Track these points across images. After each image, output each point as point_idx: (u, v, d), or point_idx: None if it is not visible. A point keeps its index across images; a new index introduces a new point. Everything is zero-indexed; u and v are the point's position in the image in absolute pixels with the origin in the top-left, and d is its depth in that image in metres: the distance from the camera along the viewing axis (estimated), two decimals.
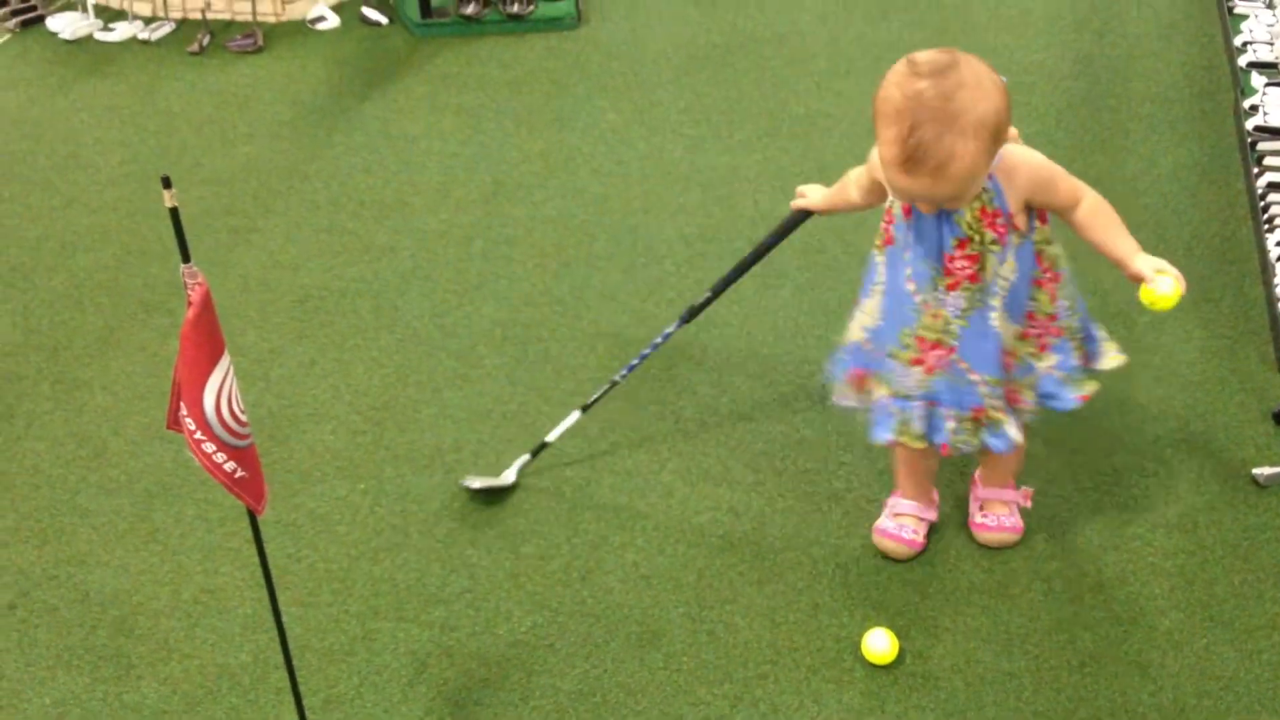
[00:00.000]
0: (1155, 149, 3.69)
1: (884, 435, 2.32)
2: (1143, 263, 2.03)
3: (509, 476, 2.68)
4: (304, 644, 2.36)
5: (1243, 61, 3.84)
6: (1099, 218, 2.11)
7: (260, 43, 4.51)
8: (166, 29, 4.60)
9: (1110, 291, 2.95)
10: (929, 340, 2.22)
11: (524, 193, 3.68)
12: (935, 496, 2.54)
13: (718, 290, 2.65)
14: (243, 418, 1.76)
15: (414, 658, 2.35)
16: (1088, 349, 2.31)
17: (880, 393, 2.32)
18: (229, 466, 1.76)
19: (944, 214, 2.09)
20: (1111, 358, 2.33)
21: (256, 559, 1.93)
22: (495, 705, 2.26)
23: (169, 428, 1.76)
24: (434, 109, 4.11)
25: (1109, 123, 3.85)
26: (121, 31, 4.58)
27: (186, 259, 1.65)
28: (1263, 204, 3.25)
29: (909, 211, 2.15)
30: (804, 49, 4.36)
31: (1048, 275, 2.21)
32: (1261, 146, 3.43)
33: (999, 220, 2.08)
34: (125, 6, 4.70)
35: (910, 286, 2.20)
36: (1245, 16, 4.08)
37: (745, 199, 3.60)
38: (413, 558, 2.55)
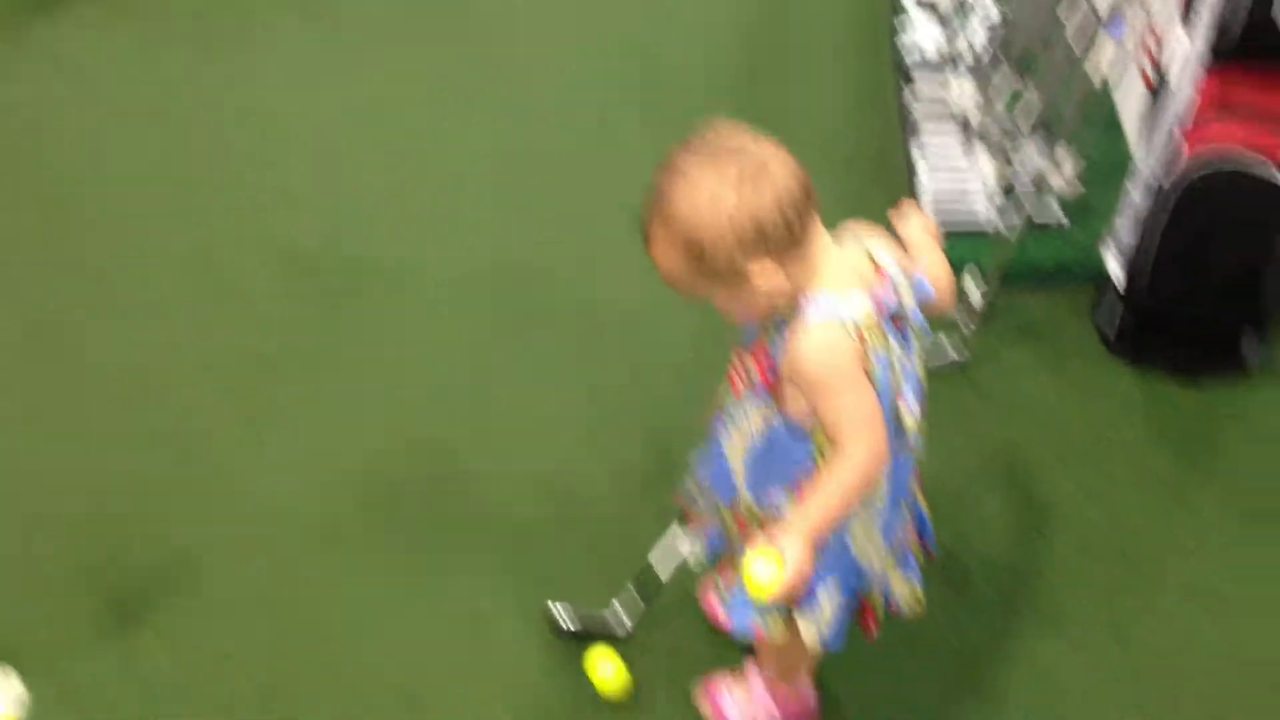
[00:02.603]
0: (821, 73, 3.89)
1: None
2: (774, 537, 1.64)
3: (627, 623, 2.25)
4: None
5: None
6: (832, 472, 1.66)
7: None
8: None
9: None
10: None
11: (205, 115, 3.57)
12: None
13: None
14: None
15: (79, 569, 2.33)
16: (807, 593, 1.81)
17: None
18: None
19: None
20: (805, 623, 1.84)
21: None
22: (165, 610, 2.26)
23: None
24: (105, 33, 3.91)
25: (783, 49, 4.03)
26: None
27: None
28: (913, 126, 3.51)
29: None
30: None
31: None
32: (915, 73, 3.69)
33: (767, 366, 1.70)
34: None
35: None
36: None
37: (439, 127, 3.57)
38: (83, 472, 2.49)
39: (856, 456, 1.64)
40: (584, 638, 2.22)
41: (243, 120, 3.51)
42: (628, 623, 2.23)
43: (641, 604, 2.23)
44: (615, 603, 2.24)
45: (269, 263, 3.05)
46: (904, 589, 1.91)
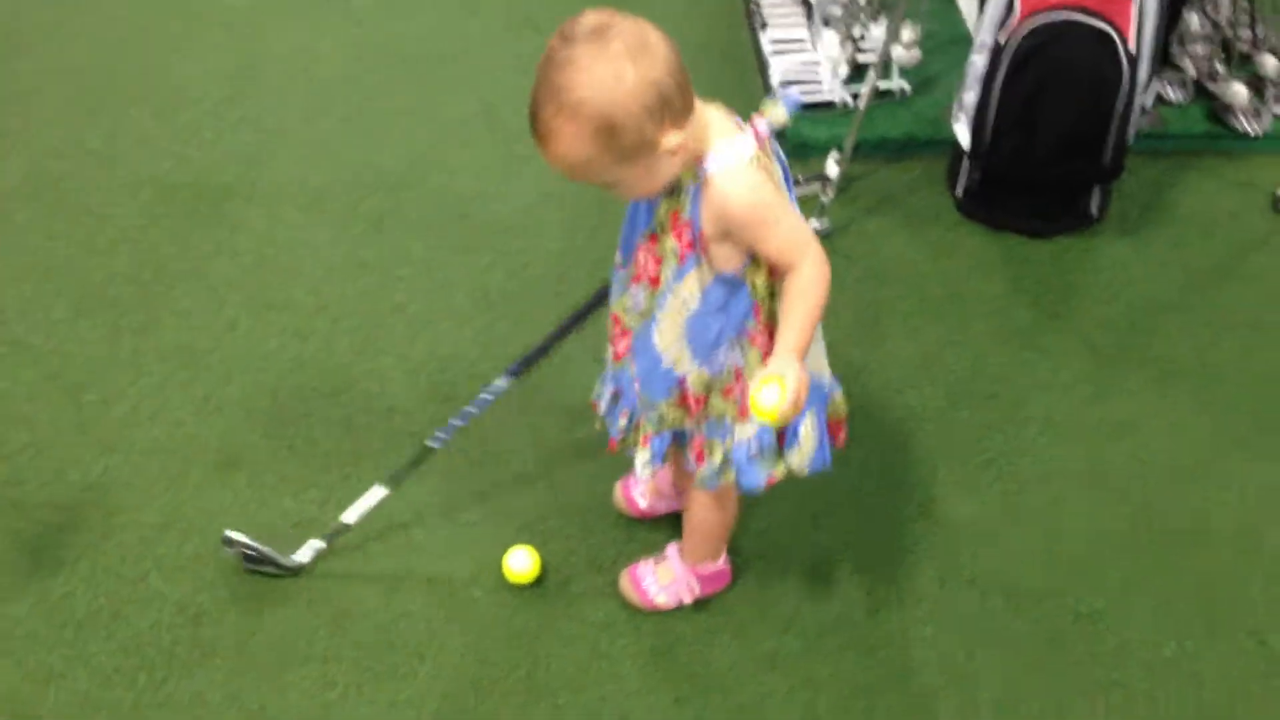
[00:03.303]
0: None
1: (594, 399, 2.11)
2: (769, 365, 1.73)
3: (300, 557, 2.24)
4: None
5: None
6: (794, 295, 1.75)
7: None
8: None
9: None
10: (621, 323, 1.94)
11: (35, 43, 3.46)
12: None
13: (552, 339, 2.14)
14: None
15: None
16: (786, 431, 1.93)
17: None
18: None
19: (650, 200, 1.79)
20: (795, 457, 1.94)
21: None
22: (75, 546, 2.26)
23: None
24: None
25: None
26: None
27: None
28: (756, 7, 3.59)
29: None
30: None
31: (763, 334, 1.85)
32: None
33: (686, 232, 1.75)
34: None
35: (618, 258, 1.92)
36: None
37: (276, 37, 3.55)
38: None
39: (810, 269, 1.73)
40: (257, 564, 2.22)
41: (76, 46, 3.42)
42: (302, 559, 2.24)
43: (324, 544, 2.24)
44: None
45: (127, 188, 3.00)
46: (837, 395, 2.01)
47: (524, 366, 2.14)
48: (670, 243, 1.77)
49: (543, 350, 2.13)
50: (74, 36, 3.48)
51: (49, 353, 2.60)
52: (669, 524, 2.34)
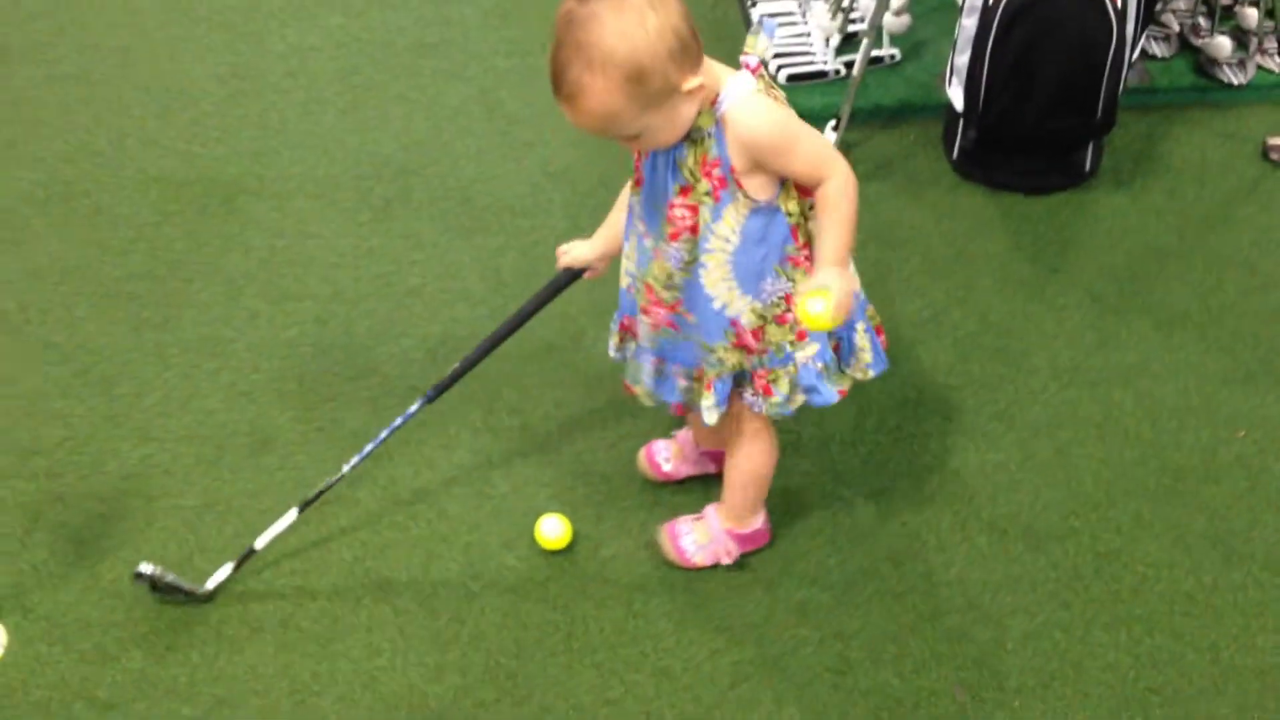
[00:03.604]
0: None
1: (629, 383, 2.17)
2: (813, 278, 1.82)
3: (209, 585, 2.22)
4: None
5: None
6: (826, 208, 1.84)
7: None
8: None
9: None
10: (655, 291, 1.98)
11: (36, 52, 3.49)
12: (718, 453, 2.37)
13: (464, 368, 2.24)
14: None
15: (23, 510, 2.34)
16: (843, 346, 2.05)
17: (634, 344, 2.14)
18: None
19: (670, 156, 1.84)
20: (858, 368, 2.07)
21: None
22: (119, 534, 2.31)
23: None
24: None
25: None
26: None
27: None
28: None
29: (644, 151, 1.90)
30: None
31: (805, 254, 1.93)
32: None
33: (716, 170, 1.82)
34: None
35: (641, 227, 1.96)
36: None
37: (272, 35, 3.59)
38: None
39: (837, 180, 1.83)
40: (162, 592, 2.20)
41: (74, 54, 3.47)
42: (210, 587, 2.21)
43: (232, 570, 2.22)
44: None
45: (137, 188, 3.04)
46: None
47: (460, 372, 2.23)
48: (703, 185, 1.83)
49: (495, 342, 2.24)
50: (75, 45, 3.51)
51: (76, 350, 2.64)
52: (694, 488, 2.41)
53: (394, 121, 3.28)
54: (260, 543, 2.22)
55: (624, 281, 2.08)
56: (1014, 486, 2.46)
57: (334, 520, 2.34)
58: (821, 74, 3.34)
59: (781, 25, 3.49)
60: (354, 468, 2.24)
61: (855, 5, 3.36)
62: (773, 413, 2.07)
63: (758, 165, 1.81)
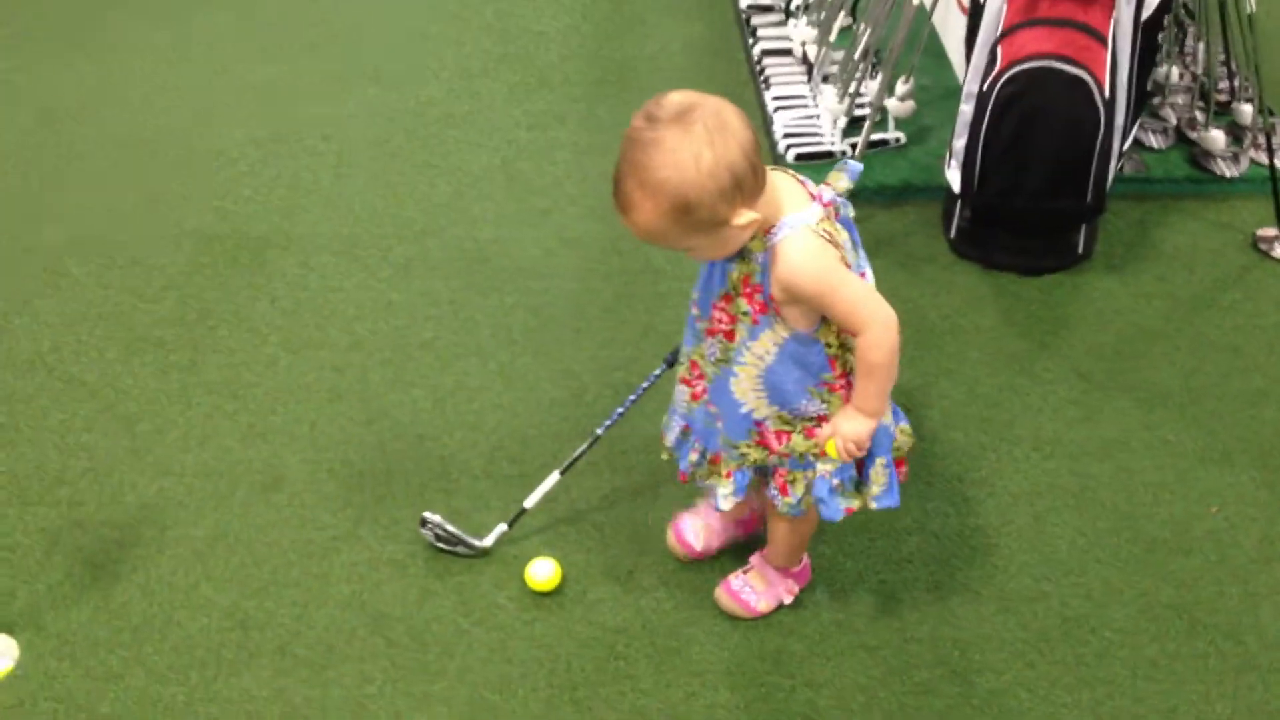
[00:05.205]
0: (669, 31, 4.18)
1: (663, 429, 2.28)
2: (832, 423, 2.01)
3: (487, 540, 2.47)
4: None
5: None
6: (859, 358, 1.93)
7: None
8: None
9: None
10: (698, 367, 2.10)
11: (83, 114, 3.70)
12: (748, 515, 2.49)
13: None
14: None
15: (45, 534, 2.48)
16: (863, 472, 2.13)
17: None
18: None
19: (723, 261, 1.92)
20: (869, 496, 2.14)
21: None
22: (132, 560, 2.44)
23: None
24: None
25: (628, 13, 4.31)
26: None
27: None
28: (760, 68, 3.81)
29: None
30: None
31: (842, 382, 2.01)
32: (755, 20, 3.99)
33: (758, 296, 1.90)
34: None
35: (695, 311, 2.06)
36: None
37: (310, 103, 3.78)
38: (28, 450, 2.65)
39: (871, 335, 1.90)
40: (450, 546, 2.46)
41: (119, 117, 3.67)
42: (488, 542, 2.47)
43: (507, 528, 2.48)
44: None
45: (171, 241, 3.22)
46: (904, 426, 2.16)
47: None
48: (743, 305, 1.93)
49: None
50: (116, 109, 3.72)
51: (103, 388, 2.80)
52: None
53: (419, 186, 3.45)
54: (529, 502, 2.47)
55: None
56: (990, 550, 2.55)
57: (336, 556, 2.46)
58: (829, 154, 3.49)
59: (792, 108, 3.65)
60: (606, 429, 2.48)
61: (862, 91, 3.51)
62: (785, 510, 2.17)
63: (796, 301, 1.88)
